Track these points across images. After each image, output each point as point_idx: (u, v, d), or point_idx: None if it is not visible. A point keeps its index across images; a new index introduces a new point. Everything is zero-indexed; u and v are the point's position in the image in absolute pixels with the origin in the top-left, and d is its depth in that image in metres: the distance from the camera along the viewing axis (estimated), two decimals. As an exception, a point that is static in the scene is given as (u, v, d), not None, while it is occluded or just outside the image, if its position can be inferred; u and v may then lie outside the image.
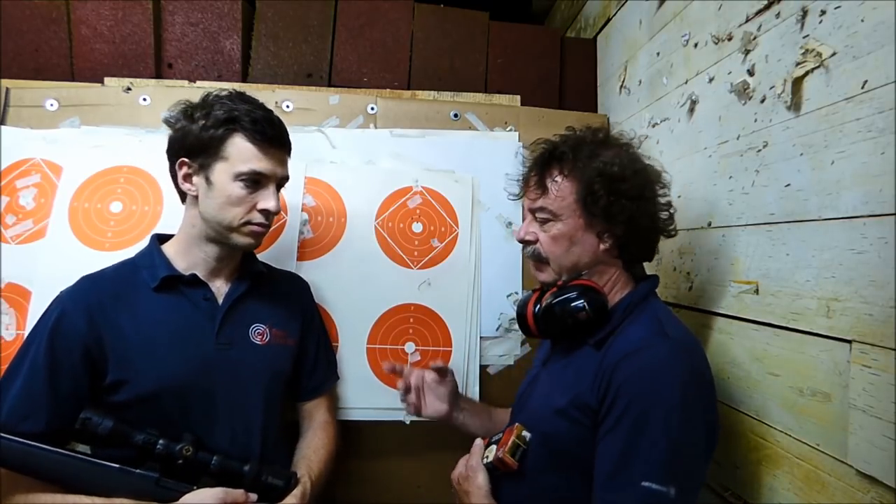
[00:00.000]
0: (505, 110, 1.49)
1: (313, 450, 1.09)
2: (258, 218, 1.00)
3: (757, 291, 0.90)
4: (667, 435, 0.74)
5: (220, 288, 1.05)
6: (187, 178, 1.00)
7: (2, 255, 1.22)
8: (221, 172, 0.97)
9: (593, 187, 0.88)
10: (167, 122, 1.02)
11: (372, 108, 1.43)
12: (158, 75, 1.43)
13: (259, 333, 1.06)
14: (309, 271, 1.31)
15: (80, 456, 0.88)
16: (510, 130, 1.47)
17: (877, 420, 0.66)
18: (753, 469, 0.90)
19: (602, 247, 0.90)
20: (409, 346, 1.33)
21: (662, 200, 0.93)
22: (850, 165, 0.73)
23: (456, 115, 1.46)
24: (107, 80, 1.38)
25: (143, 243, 1.07)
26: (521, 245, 1.45)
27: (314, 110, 1.41)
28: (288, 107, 1.40)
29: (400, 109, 1.45)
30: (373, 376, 1.30)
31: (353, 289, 1.33)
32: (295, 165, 1.34)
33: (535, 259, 0.95)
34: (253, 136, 0.98)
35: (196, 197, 1.00)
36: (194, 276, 1.02)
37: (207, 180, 0.98)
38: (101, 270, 1.02)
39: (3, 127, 1.28)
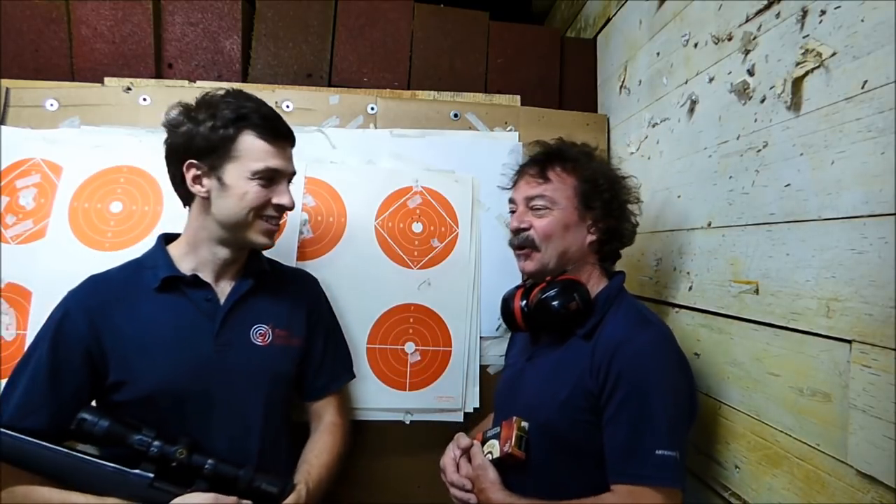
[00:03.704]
0: (505, 110, 1.49)
1: (315, 454, 1.08)
2: (272, 212, 1.01)
3: (757, 291, 0.90)
4: (665, 408, 0.85)
5: (223, 289, 1.04)
6: (197, 180, 0.98)
7: (2, 255, 1.22)
8: (235, 172, 0.97)
9: (597, 182, 1.01)
10: (169, 125, 0.99)
11: (372, 108, 1.43)
12: (158, 75, 1.43)
13: (261, 334, 1.05)
14: (309, 271, 1.30)
15: (76, 454, 0.89)
16: (510, 130, 1.47)
17: (877, 420, 0.66)
18: (753, 469, 0.90)
19: (589, 239, 1.02)
20: (409, 346, 1.33)
21: (634, 211, 1.07)
22: (850, 165, 0.73)
23: (456, 115, 1.46)
24: (107, 80, 1.38)
25: (143, 243, 1.07)
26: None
27: (314, 110, 1.41)
28: (288, 107, 1.40)
29: (400, 109, 1.45)
30: (373, 376, 1.30)
31: (353, 289, 1.33)
32: (295, 165, 1.35)
33: (525, 245, 1.02)
34: (264, 133, 0.98)
35: (206, 199, 0.99)
36: (196, 276, 1.01)
37: (220, 181, 0.97)
38: (108, 271, 1.03)
39: (3, 127, 1.28)
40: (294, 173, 1.06)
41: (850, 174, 0.72)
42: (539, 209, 1.00)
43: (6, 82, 1.33)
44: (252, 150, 0.97)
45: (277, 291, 1.11)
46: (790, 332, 0.83)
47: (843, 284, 0.73)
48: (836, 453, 0.73)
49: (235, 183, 0.97)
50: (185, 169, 0.98)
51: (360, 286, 1.33)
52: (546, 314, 0.97)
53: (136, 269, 1.03)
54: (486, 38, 1.59)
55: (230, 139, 0.96)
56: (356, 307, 1.32)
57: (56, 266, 1.20)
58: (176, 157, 0.99)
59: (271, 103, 1.36)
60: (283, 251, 1.30)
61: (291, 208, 1.04)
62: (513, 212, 1.07)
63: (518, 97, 1.53)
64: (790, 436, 0.82)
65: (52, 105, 1.32)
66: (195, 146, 0.96)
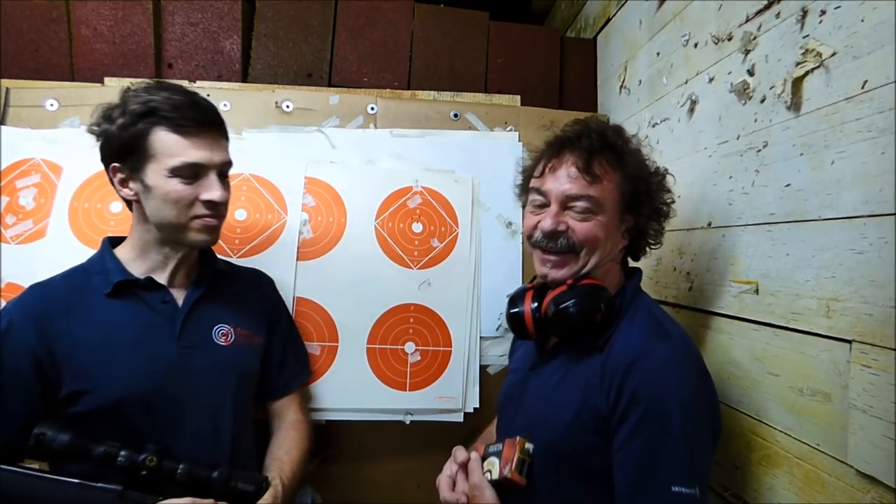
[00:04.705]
0: (505, 110, 1.49)
1: (285, 451, 1.06)
2: (203, 210, 0.94)
3: (757, 291, 0.90)
4: (686, 437, 0.74)
5: (179, 290, 1.01)
6: (123, 183, 0.93)
7: (2, 255, 1.22)
8: (154, 172, 0.90)
9: (648, 183, 0.88)
10: (91, 129, 0.94)
11: (372, 108, 1.43)
12: (158, 75, 1.43)
13: (223, 334, 1.03)
14: (309, 271, 1.31)
15: (36, 473, 0.83)
16: (510, 130, 1.47)
17: (877, 420, 0.66)
18: (753, 469, 0.90)
19: (622, 244, 0.91)
20: (409, 346, 1.33)
21: (669, 214, 0.95)
22: (850, 165, 0.72)
23: (456, 115, 1.46)
24: (107, 80, 1.38)
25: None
26: (520, 245, 1.44)
27: (314, 110, 1.41)
28: (288, 107, 1.40)
29: (400, 109, 1.45)
30: (373, 376, 1.30)
31: (353, 289, 1.33)
32: (295, 165, 1.35)
33: (565, 251, 0.85)
34: (177, 126, 0.90)
35: (138, 202, 0.94)
36: (150, 279, 0.97)
37: (143, 183, 0.91)
38: (51, 279, 0.98)
39: (3, 127, 1.28)
40: (225, 163, 0.97)
41: (850, 174, 0.72)
42: (582, 210, 0.84)
43: (6, 82, 1.33)
44: (165, 145, 0.89)
45: (236, 292, 1.09)
46: (790, 332, 0.83)
47: (843, 284, 0.73)
48: (836, 453, 0.73)
49: (156, 183, 0.90)
50: (111, 173, 0.94)
51: (360, 286, 1.33)
52: (566, 325, 0.83)
53: (81, 274, 0.98)
54: (486, 38, 1.59)
55: (142, 136, 0.89)
56: (356, 307, 1.32)
57: (56, 266, 1.18)
58: (103, 161, 0.94)
59: (271, 103, 1.38)
60: (283, 251, 1.31)
61: (224, 202, 0.96)
62: (542, 206, 0.88)
63: (518, 97, 1.53)
64: (790, 436, 0.82)
65: (52, 105, 1.32)
66: (112, 148, 0.91)
